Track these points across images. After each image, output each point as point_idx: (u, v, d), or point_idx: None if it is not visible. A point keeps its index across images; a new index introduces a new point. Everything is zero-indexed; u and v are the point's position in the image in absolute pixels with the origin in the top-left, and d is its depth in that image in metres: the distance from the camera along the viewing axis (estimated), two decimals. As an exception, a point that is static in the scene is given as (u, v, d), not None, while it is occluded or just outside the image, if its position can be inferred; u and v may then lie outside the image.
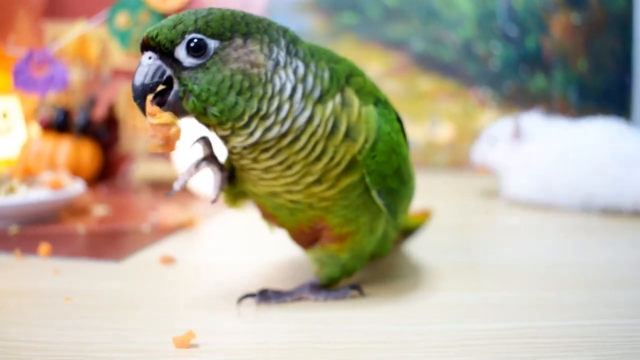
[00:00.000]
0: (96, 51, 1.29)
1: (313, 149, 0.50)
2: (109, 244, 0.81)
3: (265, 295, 0.56)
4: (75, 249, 0.77)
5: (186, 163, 0.57)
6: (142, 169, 1.32)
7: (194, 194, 1.15)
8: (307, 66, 0.50)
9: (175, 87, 0.47)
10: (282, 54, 0.49)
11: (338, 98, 0.50)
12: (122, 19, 1.26)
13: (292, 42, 0.50)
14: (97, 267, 0.70)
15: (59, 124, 1.23)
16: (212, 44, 0.47)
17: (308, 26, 1.46)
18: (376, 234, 0.57)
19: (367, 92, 0.53)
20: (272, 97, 0.48)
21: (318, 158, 0.50)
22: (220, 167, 0.55)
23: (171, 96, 0.47)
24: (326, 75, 0.51)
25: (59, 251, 0.75)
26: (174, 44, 0.46)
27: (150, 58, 0.47)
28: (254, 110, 0.47)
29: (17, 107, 1.28)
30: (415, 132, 1.48)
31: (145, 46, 0.47)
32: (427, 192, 1.15)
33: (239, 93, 0.47)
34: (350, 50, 1.47)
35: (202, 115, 0.47)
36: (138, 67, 0.47)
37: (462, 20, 1.47)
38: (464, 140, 1.48)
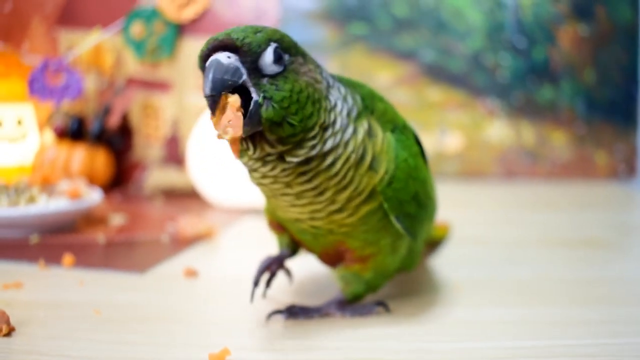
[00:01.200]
0: (111, 60, 1.30)
1: (344, 176, 0.51)
2: (130, 254, 0.82)
3: (292, 312, 0.57)
4: (97, 259, 0.79)
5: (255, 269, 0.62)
6: (154, 177, 1.33)
7: (210, 203, 1.17)
8: (345, 89, 0.52)
9: (255, 96, 0.46)
10: (328, 75, 0.52)
11: (366, 125, 0.52)
12: (137, 29, 1.28)
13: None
14: (122, 279, 0.71)
15: (74, 132, 1.24)
16: (286, 57, 0.48)
17: (319, 36, 1.47)
18: (400, 253, 0.58)
19: (387, 120, 0.55)
20: (330, 110, 0.50)
21: (346, 186, 0.51)
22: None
23: (252, 106, 0.46)
24: (358, 98, 0.53)
25: (82, 262, 0.77)
26: (261, 49, 0.47)
27: (229, 57, 0.46)
28: (322, 120, 0.49)
29: (32, 114, 1.29)
30: (425, 142, 1.49)
31: (223, 47, 0.46)
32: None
33: (313, 104, 0.48)
34: (360, 60, 1.48)
35: (276, 126, 0.47)
36: (215, 64, 0.45)
37: (471, 31, 1.49)
38: (473, 150, 1.49)
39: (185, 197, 1.25)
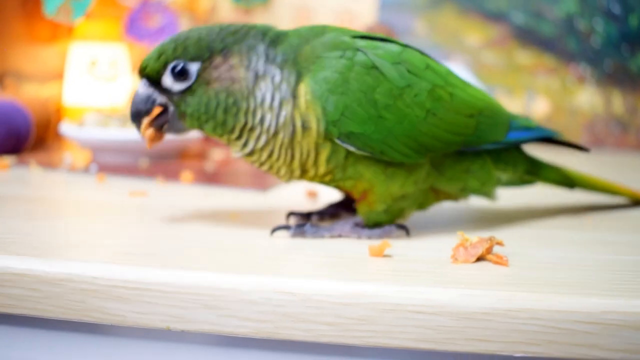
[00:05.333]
0: (207, 5, 1.30)
1: (286, 154, 0.52)
2: (244, 178, 0.82)
3: (301, 229, 0.54)
4: (214, 179, 0.78)
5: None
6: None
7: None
8: (282, 72, 0.52)
9: (171, 108, 0.52)
10: (261, 62, 0.52)
11: (291, 101, 0.52)
12: (234, -27, 1.28)
13: (272, 44, 0.52)
14: (245, 195, 0.71)
15: (168, 74, 1.25)
16: (194, 67, 0.51)
17: (410, -7, 1.45)
18: (399, 179, 0.53)
19: (314, 56, 0.52)
20: (255, 110, 0.51)
21: (293, 157, 0.52)
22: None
23: (170, 116, 0.53)
24: (292, 79, 0.52)
25: (200, 180, 0.77)
26: (159, 74, 0.52)
27: (144, 85, 0.53)
28: (242, 123, 0.52)
29: (126, 55, 1.30)
30: (512, 105, 1.46)
31: (140, 74, 0.53)
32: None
33: (226, 110, 0.51)
34: (449, 21, 1.46)
35: (201, 130, 0.53)
36: (134, 95, 0.53)
37: (564, -5, 1.45)
38: (560, 115, 1.46)
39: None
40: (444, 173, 0.56)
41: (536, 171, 0.63)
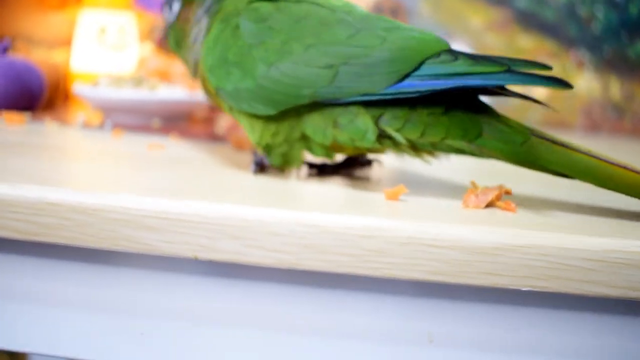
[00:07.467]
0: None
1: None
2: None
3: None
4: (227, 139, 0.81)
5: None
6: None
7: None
8: (208, 17, 0.63)
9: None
10: (202, 11, 0.63)
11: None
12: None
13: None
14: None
15: (177, 43, 1.27)
16: (176, 5, 0.67)
17: (415, -27, 1.48)
18: (258, 130, 0.57)
19: (229, 13, 0.60)
20: (190, 45, 0.65)
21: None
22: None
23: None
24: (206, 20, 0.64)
25: (214, 139, 0.79)
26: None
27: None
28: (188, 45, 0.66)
29: (134, 24, 1.32)
30: (511, 89, 1.49)
31: None
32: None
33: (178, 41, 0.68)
34: (454, 3, 1.48)
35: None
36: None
37: (567, -19, 1.47)
38: (559, 100, 1.49)
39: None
40: (309, 125, 0.55)
41: (487, 143, 0.52)
